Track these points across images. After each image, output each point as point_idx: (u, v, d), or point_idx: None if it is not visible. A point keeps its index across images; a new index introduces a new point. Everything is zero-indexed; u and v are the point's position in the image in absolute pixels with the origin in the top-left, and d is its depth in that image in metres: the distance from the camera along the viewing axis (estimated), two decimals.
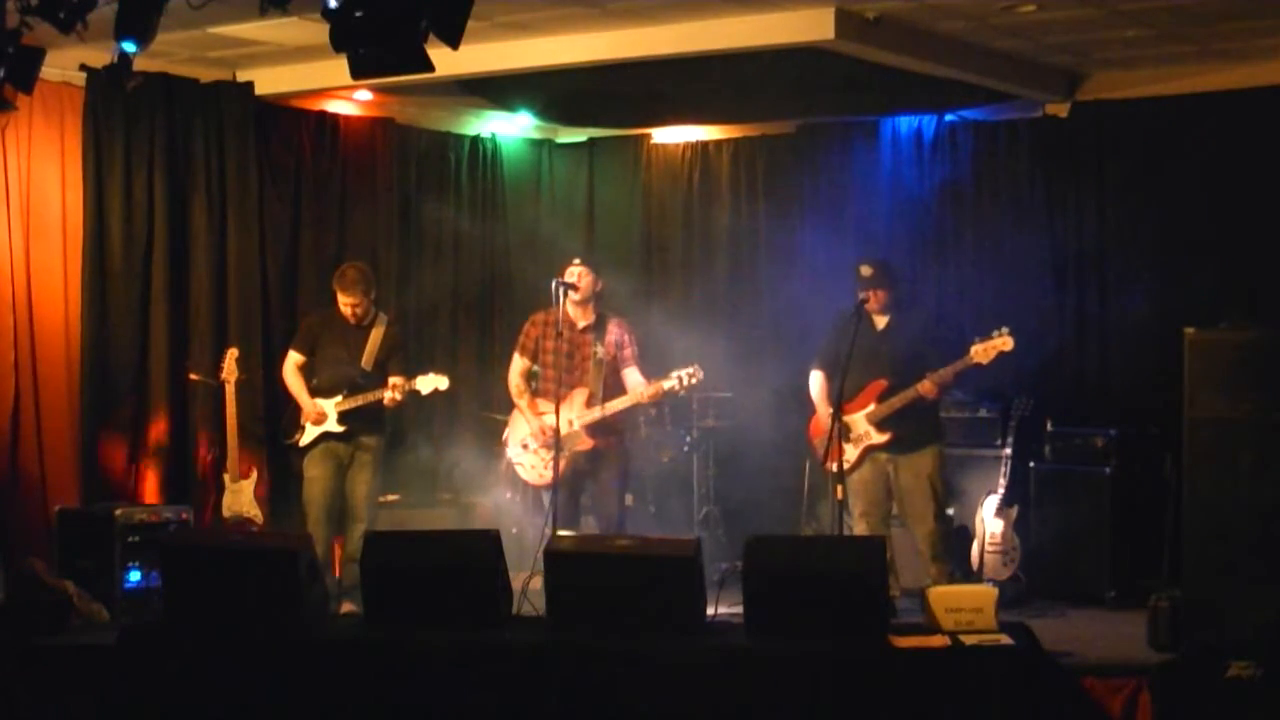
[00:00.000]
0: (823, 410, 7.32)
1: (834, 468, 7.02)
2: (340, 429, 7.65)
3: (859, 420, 7.22)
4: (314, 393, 7.71)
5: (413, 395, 7.68)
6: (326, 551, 7.59)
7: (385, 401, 7.60)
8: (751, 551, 5.68)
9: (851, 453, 7.22)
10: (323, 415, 7.65)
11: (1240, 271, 7.96)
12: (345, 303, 7.68)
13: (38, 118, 7.82)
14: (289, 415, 7.80)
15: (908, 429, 7.20)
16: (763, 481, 8.95)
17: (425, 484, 8.96)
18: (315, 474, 7.70)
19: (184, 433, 8.29)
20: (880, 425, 7.20)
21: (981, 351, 7.09)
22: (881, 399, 7.20)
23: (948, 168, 9.03)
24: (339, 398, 7.65)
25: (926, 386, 7.11)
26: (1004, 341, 7.08)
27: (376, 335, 7.75)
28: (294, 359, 7.82)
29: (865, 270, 7.28)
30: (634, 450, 8.21)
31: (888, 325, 7.33)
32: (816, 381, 7.41)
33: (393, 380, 7.59)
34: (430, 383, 7.65)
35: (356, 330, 7.74)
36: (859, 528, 7.32)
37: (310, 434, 7.68)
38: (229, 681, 5.67)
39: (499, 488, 8.63)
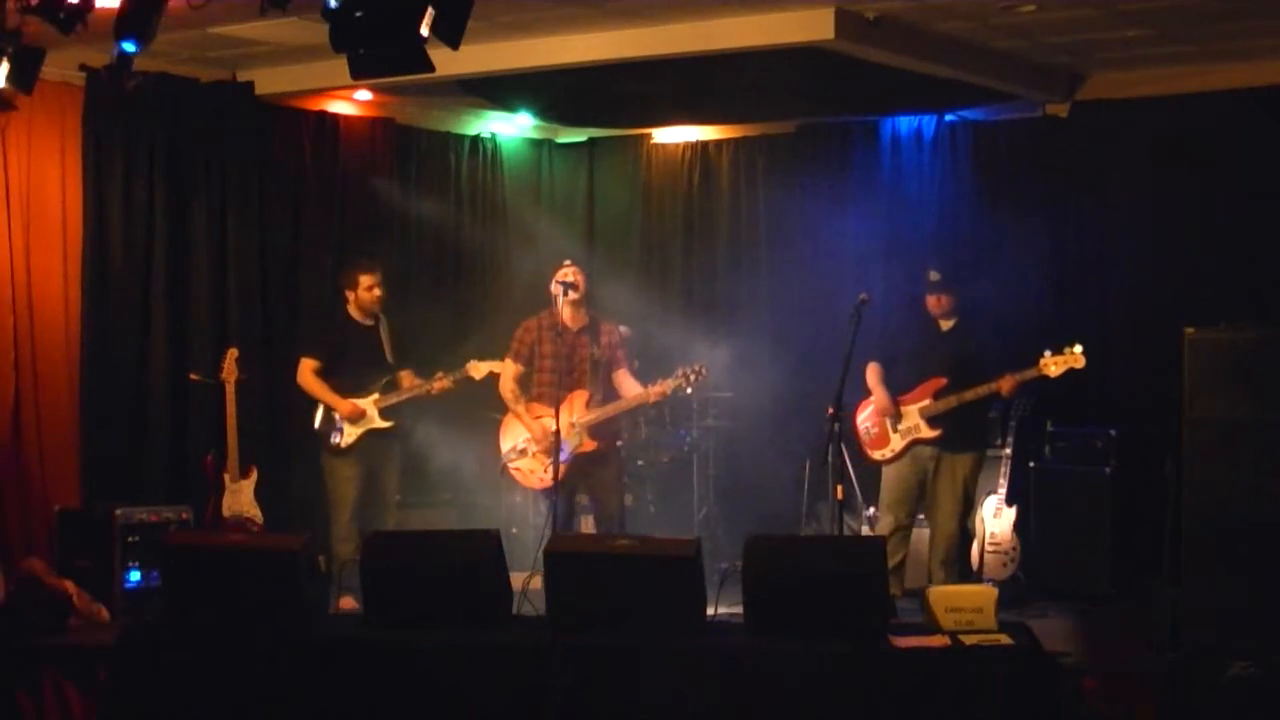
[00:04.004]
0: (879, 395, 7.36)
1: (876, 456, 7.33)
2: (386, 424, 7.77)
3: (911, 412, 7.33)
4: (343, 392, 7.75)
5: (465, 382, 7.78)
6: (356, 549, 7.55)
7: (434, 390, 7.74)
8: (751, 551, 5.68)
9: (897, 443, 7.33)
10: (361, 412, 7.71)
11: (1240, 271, 7.96)
12: (379, 297, 7.82)
13: (38, 118, 7.80)
14: (324, 419, 7.81)
15: (957, 428, 7.27)
16: (763, 481, 8.95)
17: (425, 484, 8.95)
18: (351, 473, 7.79)
19: (184, 433, 8.28)
20: (931, 421, 7.26)
21: (1051, 364, 7.09)
22: (938, 396, 7.27)
23: (948, 168, 9.03)
24: (375, 394, 7.75)
25: (1006, 384, 7.11)
26: (1075, 358, 7.08)
27: (385, 330, 7.89)
28: (311, 364, 7.84)
29: (933, 275, 7.36)
30: (634, 450, 8.21)
31: (953, 328, 7.40)
32: (874, 371, 7.42)
33: (438, 373, 7.76)
34: (484, 368, 7.71)
35: (368, 328, 7.84)
36: (884, 519, 7.38)
37: (352, 434, 7.73)
38: (229, 681, 5.66)
39: (496, 490, 8.62)
